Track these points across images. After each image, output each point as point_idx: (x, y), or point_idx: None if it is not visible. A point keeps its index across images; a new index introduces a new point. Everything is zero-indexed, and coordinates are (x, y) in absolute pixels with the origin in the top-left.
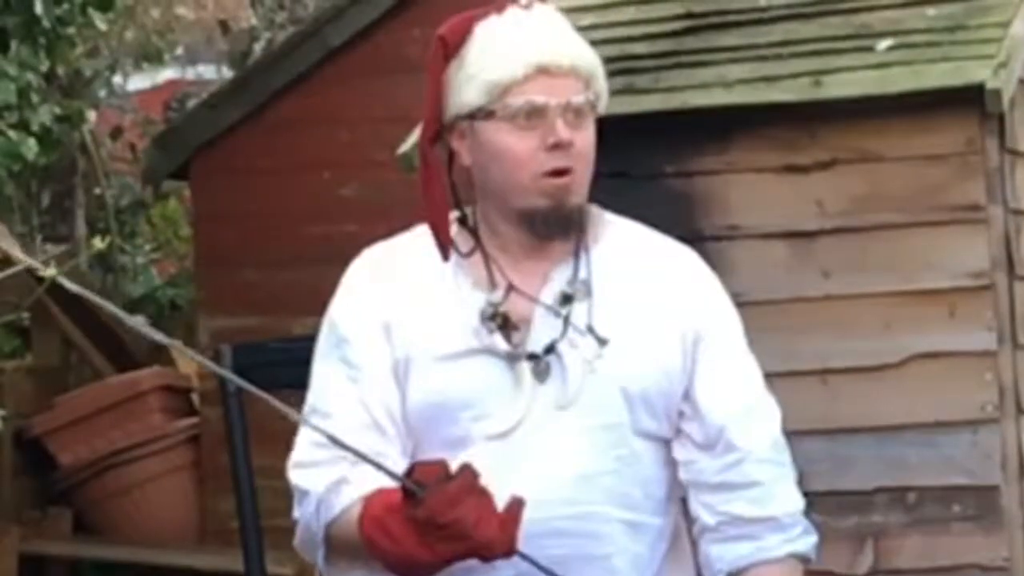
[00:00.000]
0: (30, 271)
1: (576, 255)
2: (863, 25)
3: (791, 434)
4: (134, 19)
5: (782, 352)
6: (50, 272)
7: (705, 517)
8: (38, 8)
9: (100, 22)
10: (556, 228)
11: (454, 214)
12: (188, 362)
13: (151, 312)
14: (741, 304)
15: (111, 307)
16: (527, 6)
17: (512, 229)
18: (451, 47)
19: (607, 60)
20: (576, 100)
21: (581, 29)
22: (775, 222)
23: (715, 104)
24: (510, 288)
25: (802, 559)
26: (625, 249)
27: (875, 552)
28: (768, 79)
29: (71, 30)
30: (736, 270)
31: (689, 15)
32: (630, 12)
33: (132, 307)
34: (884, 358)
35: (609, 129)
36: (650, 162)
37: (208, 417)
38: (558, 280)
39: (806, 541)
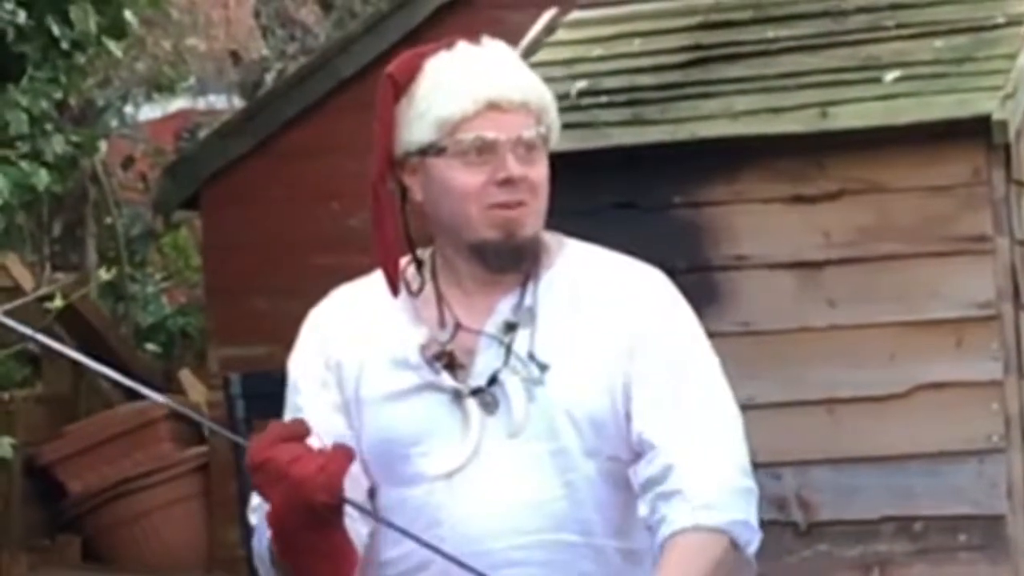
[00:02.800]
0: (40, 300)
1: (524, 284)
2: (870, 57)
3: (797, 464)
4: (146, 49)
5: (788, 382)
6: (58, 303)
7: (644, 516)
8: (55, 31)
9: (115, 48)
10: (508, 260)
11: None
12: (198, 391)
13: (162, 341)
14: (748, 333)
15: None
16: (477, 42)
17: (465, 263)
18: (400, 84)
19: (615, 91)
20: (527, 135)
21: (589, 61)
22: (782, 252)
23: (723, 135)
24: (458, 326)
25: (721, 535)
26: (577, 273)
27: None
28: (775, 110)
29: (89, 52)
30: (743, 300)
31: (696, 47)
32: (637, 44)
33: (143, 336)
34: (890, 388)
35: (617, 160)
36: (658, 192)
37: (217, 446)
38: (503, 310)
39: (720, 515)
